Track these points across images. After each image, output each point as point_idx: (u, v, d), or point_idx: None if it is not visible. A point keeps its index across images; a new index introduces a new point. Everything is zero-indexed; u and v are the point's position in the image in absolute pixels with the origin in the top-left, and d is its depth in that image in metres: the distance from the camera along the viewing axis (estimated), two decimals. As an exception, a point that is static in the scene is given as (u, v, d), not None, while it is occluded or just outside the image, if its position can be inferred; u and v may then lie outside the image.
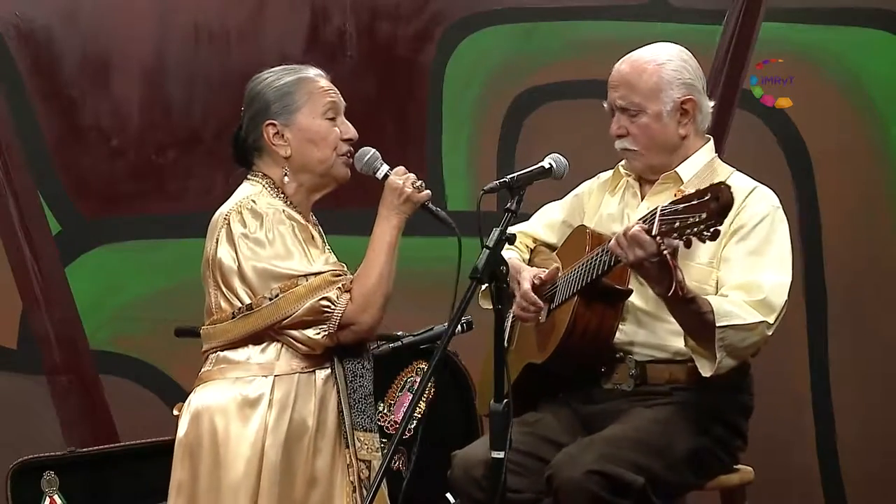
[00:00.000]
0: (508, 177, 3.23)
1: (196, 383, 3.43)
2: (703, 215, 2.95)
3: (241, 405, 3.34)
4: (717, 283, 3.40)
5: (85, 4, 4.97)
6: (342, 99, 3.50)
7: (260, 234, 3.33)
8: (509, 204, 3.18)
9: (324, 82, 3.48)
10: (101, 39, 4.99)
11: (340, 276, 3.35)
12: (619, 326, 3.44)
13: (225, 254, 3.36)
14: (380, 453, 3.39)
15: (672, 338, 3.43)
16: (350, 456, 3.37)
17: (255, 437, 3.32)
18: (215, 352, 3.42)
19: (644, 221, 3.12)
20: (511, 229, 3.17)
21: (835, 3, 5.19)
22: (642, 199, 3.56)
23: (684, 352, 3.40)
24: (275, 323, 3.33)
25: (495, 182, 3.23)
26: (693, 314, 3.24)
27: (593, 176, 3.78)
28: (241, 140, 3.49)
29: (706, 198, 2.95)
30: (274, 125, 3.43)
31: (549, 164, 3.31)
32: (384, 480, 3.24)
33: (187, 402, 3.42)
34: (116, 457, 4.28)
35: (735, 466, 3.56)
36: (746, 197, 3.41)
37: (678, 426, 3.40)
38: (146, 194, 5.00)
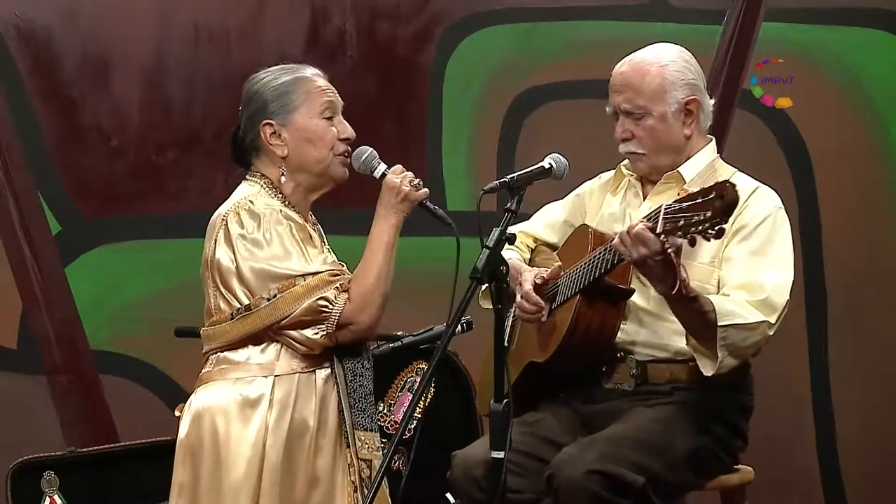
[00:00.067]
0: (508, 177, 3.22)
1: (196, 384, 3.43)
2: (708, 213, 2.95)
3: (241, 406, 3.34)
4: (718, 283, 3.40)
5: (85, 4, 4.97)
6: (340, 98, 3.49)
7: (257, 235, 3.33)
8: (509, 204, 3.18)
9: (321, 82, 3.48)
10: (101, 39, 4.99)
11: (338, 275, 3.35)
12: (621, 326, 3.44)
13: (223, 255, 3.36)
14: (380, 452, 3.39)
15: (673, 337, 3.43)
16: (351, 455, 3.37)
17: (255, 438, 3.32)
18: (215, 353, 3.42)
19: (648, 219, 3.11)
20: (511, 229, 3.17)
21: (835, 3, 5.19)
22: (644, 199, 3.56)
23: (685, 351, 3.40)
24: (273, 323, 3.32)
25: (495, 182, 3.23)
26: (695, 313, 3.24)
27: (593, 176, 3.78)
28: (239, 140, 3.49)
29: (711, 196, 2.95)
30: (271, 125, 3.43)
31: (549, 164, 3.31)
32: (385, 480, 3.24)
33: (188, 403, 3.41)
34: (116, 457, 4.29)
35: (735, 466, 3.56)
36: (749, 197, 3.41)
37: (679, 426, 3.40)
38: (146, 194, 5.00)
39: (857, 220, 5.19)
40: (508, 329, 3.66)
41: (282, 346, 3.37)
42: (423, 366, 4.31)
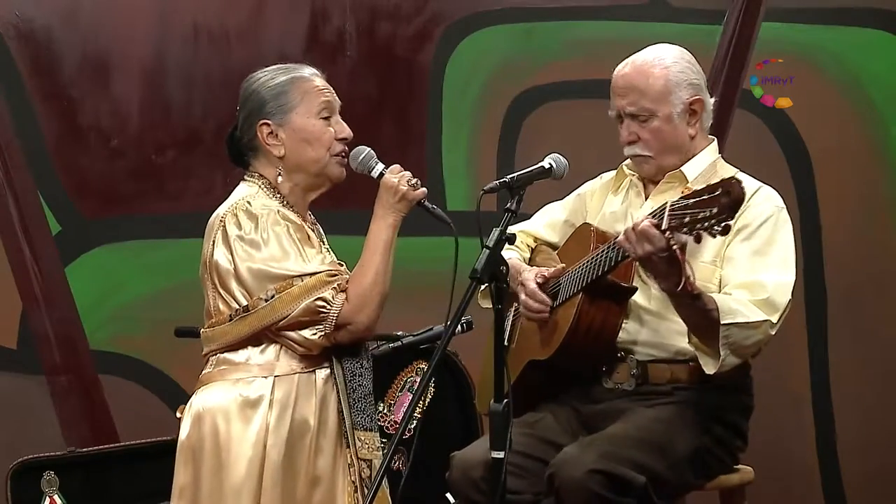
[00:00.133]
0: (508, 177, 3.22)
1: (197, 385, 3.43)
2: (714, 210, 2.95)
3: (241, 406, 3.34)
4: (719, 282, 3.40)
5: (85, 4, 4.97)
6: (337, 98, 3.49)
7: (255, 236, 3.33)
8: (509, 204, 3.18)
9: (319, 81, 3.47)
10: (101, 39, 4.99)
11: (336, 275, 3.34)
12: (622, 325, 3.44)
13: (221, 256, 3.36)
14: (380, 452, 3.39)
15: (674, 337, 3.43)
16: (351, 455, 3.37)
17: (256, 438, 3.32)
18: (215, 354, 3.42)
19: (653, 216, 3.12)
20: (512, 228, 3.18)
21: (835, 3, 5.19)
22: (646, 199, 3.56)
23: (686, 351, 3.41)
24: (271, 324, 3.32)
25: (495, 182, 3.23)
26: (698, 311, 3.24)
27: (593, 176, 3.79)
28: (237, 140, 3.49)
29: (717, 193, 2.95)
30: (268, 125, 3.42)
31: (549, 164, 3.31)
32: (385, 480, 3.24)
33: (188, 404, 3.41)
34: (116, 457, 4.29)
35: (735, 466, 3.56)
36: (751, 197, 3.41)
37: (679, 426, 3.40)
38: (146, 194, 5.00)
39: (857, 220, 5.19)
40: (508, 328, 3.66)
41: (281, 347, 3.37)
42: (423, 366, 4.31)
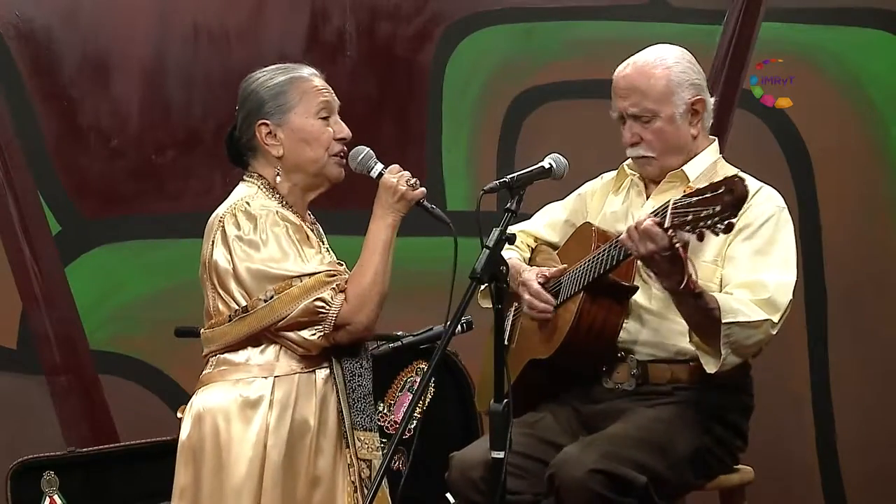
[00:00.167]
0: (508, 177, 3.22)
1: (197, 386, 3.43)
2: (717, 208, 2.95)
3: (242, 406, 3.34)
4: (720, 281, 3.40)
5: (85, 4, 4.97)
6: (336, 98, 3.48)
7: (254, 236, 3.33)
8: (509, 204, 3.18)
9: (317, 81, 3.47)
10: (101, 39, 4.99)
11: (335, 276, 3.34)
12: (623, 324, 3.44)
13: (220, 256, 3.36)
14: (380, 452, 3.39)
15: (675, 337, 3.43)
16: (350, 456, 3.37)
17: (256, 438, 3.31)
18: (215, 355, 3.42)
19: (656, 215, 3.12)
20: (512, 228, 3.18)
21: (835, 3, 5.19)
22: (647, 198, 3.56)
23: (686, 351, 3.41)
24: (270, 325, 3.32)
25: (495, 182, 3.23)
26: (700, 309, 3.24)
27: (594, 176, 3.79)
28: (236, 140, 3.49)
29: (720, 190, 2.95)
30: (267, 125, 3.42)
31: (549, 164, 3.31)
32: (385, 480, 3.24)
33: (189, 404, 3.41)
34: (116, 457, 4.29)
35: (735, 466, 3.56)
36: (752, 197, 3.41)
37: (680, 426, 3.40)
38: (146, 194, 5.00)
39: (857, 220, 5.19)
40: (508, 328, 3.66)
41: (281, 347, 3.37)
42: (423, 366, 4.31)
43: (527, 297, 3.53)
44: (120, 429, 4.91)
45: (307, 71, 3.48)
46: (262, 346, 3.37)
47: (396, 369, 4.31)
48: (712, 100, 3.56)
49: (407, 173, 3.40)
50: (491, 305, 3.14)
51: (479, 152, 5.13)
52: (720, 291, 3.36)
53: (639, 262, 3.30)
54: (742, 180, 2.95)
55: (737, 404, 3.52)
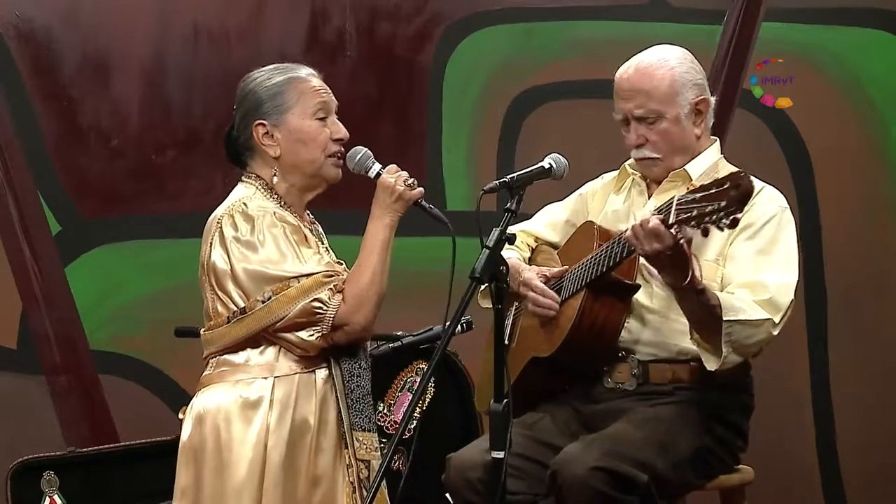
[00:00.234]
0: (508, 177, 3.22)
1: (198, 387, 3.43)
2: (723, 203, 2.95)
3: (242, 407, 3.33)
4: (721, 280, 3.40)
5: (85, 4, 4.97)
6: (334, 98, 3.48)
7: (251, 238, 3.32)
8: (509, 204, 3.17)
9: (315, 82, 3.47)
10: (101, 39, 4.99)
11: (332, 276, 3.34)
12: (624, 324, 3.44)
13: (218, 257, 3.36)
14: (379, 453, 3.39)
15: (676, 336, 3.43)
16: (349, 456, 3.37)
17: (257, 439, 3.31)
18: (215, 356, 3.42)
19: (659, 212, 3.12)
20: (513, 228, 3.18)
21: (835, 3, 5.19)
22: (650, 198, 3.56)
23: (688, 351, 3.41)
24: (269, 326, 3.32)
25: (495, 182, 3.23)
26: (702, 306, 3.24)
27: (594, 176, 3.79)
28: (234, 139, 3.49)
29: (726, 186, 2.96)
30: (264, 125, 3.42)
31: (549, 164, 3.31)
32: (384, 480, 3.24)
33: (190, 405, 3.41)
34: (116, 457, 4.29)
35: (735, 466, 3.56)
36: (755, 196, 3.39)
37: (681, 425, 3.40)
38: (146, 194, 5.00)
39: (857, 220, 5.19)
40: (508, 328, 3.66)
41: (280, 348, 3.37)
42: (423, 366, 4.31)
43: (531, 294, 3.53)
44: (120, 429, 4.91)
45: (305, 71, 3.48)
46: (262, 347, 3.37)
47: (396, 369, 4.31)
48: (713, 99, 3.56)
49: (404, 173, 3.39)
50: (491, 306, 3.14)
51: (479, 152, 5.13)
52: (721, 291, 3.36)
53: (641, 259, 3.30)
54: (747, 176, 2.95)
55: (737, 404, 3.52)
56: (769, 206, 3.45)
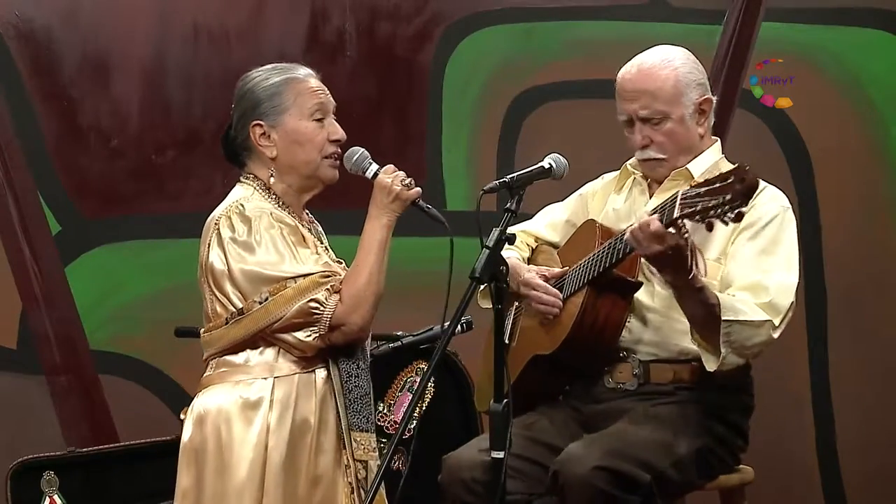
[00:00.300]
0: (508, 177, 3.22)
1: (198, 388, 3.43)
2: (727, 197, 2.95)
3: (242, 408, 3.33)
4: (722, 280, 3.39)
5: (85, 4, 4.97)
6: (331, 99, 3.47)
7: (248, 238, 3.32)
8: (509, 204, 3.17)
9: (313, 82, 3.46)
10: (101, 39, 4.99)
11: (330, 276, 3.33)
12: (626, 324, 3.44)
13: (216, 258, 3.35)
14: (377, 453, 3.39)
15: (678, 336, 3.43)
16: (347, 456, 3.37)
17: (257, 439, 3.31)
18: (215, 357, 3.42)
19: (660, 212, 3.12)
20: (513, 228, 3.18)
21: (835, 3, 5.19)
22: (651, 197, 3.56)
23: (689, 351, 3.41)
24: (266, 326, 3.31)
25: (495, 182, 3.23)
26: (701, 304, 3.24)
27: (594, 176, 3.79)
28: (231, 139, 3.48)
29: (730, 180, 2.96)
30: (261, 125, 3.41)
31: (549, 164, 3.31)
32: (383, 481, 3.23)
33: (191, 407, 3.41)
34: (116, 457, 4.29)
35: (736, 466, 3.56)
36: (757, 195, 3.39)
37: (682, 425, 3.40)
38: (146, 194, 5.00)
39: (857, 220, 5.19)
40: (508, 328, 3.66)
41: (280, 348, 3.37)
42: (423, 366, 4.31)
43: (533, 293, 3.53)
44: (120, 429, 4.91)
45: (303, 71, 3.47)
46: (261, 348, 3.37)
47: (396, 369, 4.31)
48: (715, 99, 3.57)
49: (402, 173, 3.39)
50: (490, 306, 3.14)
51: (479, 152, 5.13)
52: (720, 288, 3.36)
53: (643, 258, 3.30)
54: (752, 170, 2.95)
55: (737, 404, 3.52)
56: (771, 205, 3.45)
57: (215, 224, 3.37)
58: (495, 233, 3.10)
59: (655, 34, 4.73)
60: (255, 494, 3.30)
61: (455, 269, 3.21)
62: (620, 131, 3.58)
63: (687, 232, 3.08)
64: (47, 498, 4.16)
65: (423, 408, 4.06)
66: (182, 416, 3.44)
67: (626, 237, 3.22)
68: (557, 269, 3.57)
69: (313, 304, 3.29)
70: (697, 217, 3.01)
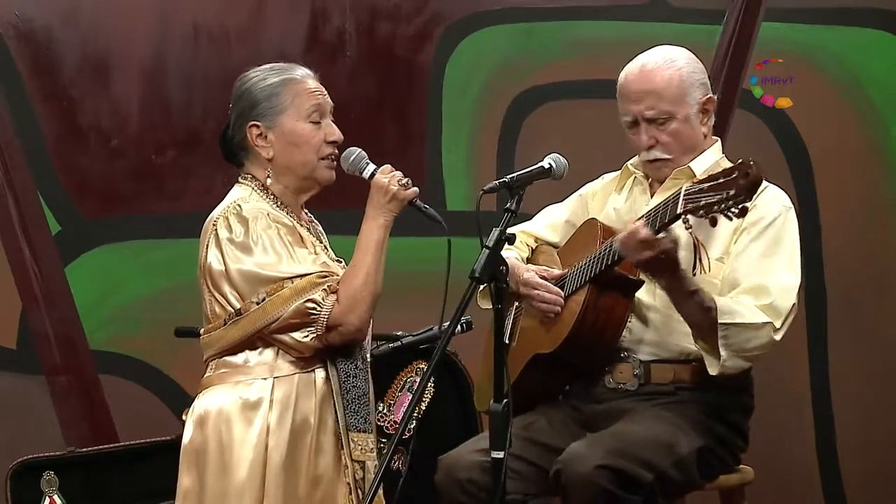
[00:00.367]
0: (508, 177, 3.22)
1: (199, 389, 3.43)
2: (732, 192, 2.95)
3: (242, 408, 3.33)
4: (723, 279, 3.39)
5: (85, 4, 4.97)
6: (329, 100, 3.47)
7: (245, 239, 3.32)
8: (509, 204, 3.17)
9: (311, 83, 3.45)
10: (101, 39, 4.99)
11: (326, 276, 3.33)
12: (626, 324, 3.44)
13: (213, 259, 3.36)
14: (374, 454, 3.39)
15: (679, 337, 3.43)
16: (345, 457, 3.37)
17: (257, 440, 3.31)
18: (214, 359, 3.42)
19: (648, 220, 3.12)
20: (513, 229, 3.18)
21: (835, 3, 5.19)
22: (652, 196, 3.56)
23: (689, 351, 3.42)
24: (264, 327, 3.31)
25: (495, 182, 3.23)
26: (699, 308, 3.25)
27: (594, 176, 3.80)
28: (229, 139, 3.48)
29: (734, 175, 2.97)
30: (257, 126, 3.41)
31: (549, 164, 3.31)
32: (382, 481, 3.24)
33: (191, 408, 3.42)
34: (116, 457, 4.29)
35: (736, 466, 3.56)
36: (758, 195, 3.40)
37: (684, 425, 3.41)
38: (146, 194, 5.00)
39: (857, 220, 5.19)
40: (508, 328, 3.66)
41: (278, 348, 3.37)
42: (423, 366, 4.30)
43: (534, 292, 3.53)
44: (120, 429, 4.90)
45: (301, 72, 3.46)
46: (260, 348, 3.37)
47: (396, 369, 4.31)
48: (715, 98, 3.58)
49: (398, 173, 3.39)
50: (490, 307, 3.14)
51: (479, 152, 5.13)
52: (723, 288, 3.36)
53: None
54: (757, 164, 2.96)
55: (737, 404, 3.52)
56: (774, 205, 3.46)
57: (213, 225, 3.37)
58: (495, 233, 3.10)
59: (655, 34, 4.73)
60: (255, 494, 3.31)
61: (455, 269, 3.21)
62: (620, 131, 3.58)
63: (690, 227, 3.09)
64: (47, 498, 4.16)
65: (423, 408, 4.05)
66: (184, 418, 3.44)
67: (614, 246, 3.23)
68: (557, 271, 3.57)
69: (310, 305, 3.29)
70: (701, 212, 3.02)
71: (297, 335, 3.31)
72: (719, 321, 3.23)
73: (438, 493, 3.49)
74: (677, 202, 3.08)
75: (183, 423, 3.43)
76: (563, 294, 3.50)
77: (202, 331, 3.45)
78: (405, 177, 3.38)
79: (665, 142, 3.49)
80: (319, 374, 3.38)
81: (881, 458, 5.15)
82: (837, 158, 5.18)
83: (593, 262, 3.41)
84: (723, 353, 3.26)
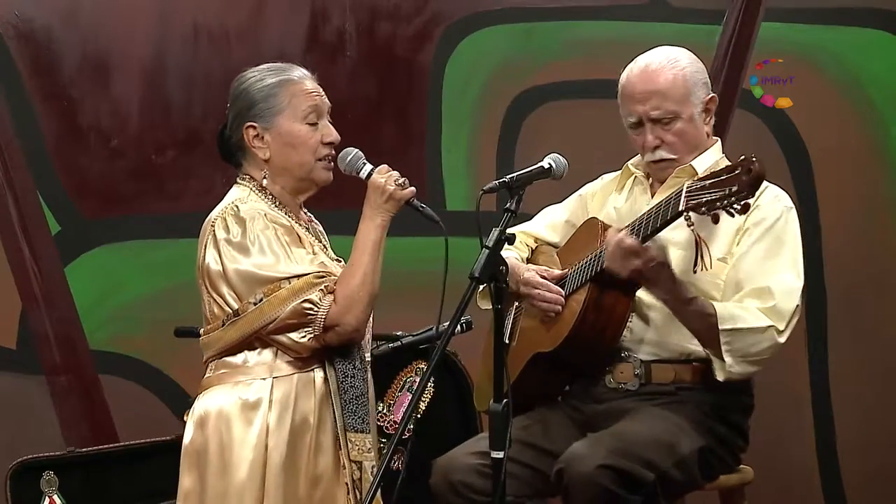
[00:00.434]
0: (508, 177, 3.22)
1: (199, 390, 3.43)
2: (734, 188, 2.96)
3: (242, 408, 3.33)
4: (726, 279, 3.39)
5: (85, 4, 4.97)
6: (326, 101, 3.46)
7: (242, 240, 3.32)
8: (509, 204, 3.17)
9: (308, 84, 3.45)
10: (101, 39, 4.99)
11: (324, 277, 3.33)
12: (627, 324, 3.44)
13: (211, 260, 3.36)
14: (372, 454, 3.38)
15: (679, 337, 3.43)
16: (343, 457, 3.37)
17: (257, 440, 3.31)
18: (214, 359, 3.42)
19: (630, 228, 3.13)
20: (513, 229, 3.18)
21: (835, 3, 5.19)
22: (652, 196, 3.56)
23: (690, 351, 3.42)
24: (261, 328, 3.31)
25: (495, 182, 3.23)
26: (698, 316, 3.26)
27: (594, 176, 3.80)
28: (226, 139, 3.48)
29: (737, 171, 2.97)
30: (254, 127, 3.41)
31: (549, 164, 3.31)
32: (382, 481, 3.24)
33: (192, 409, 3.42)
34: (116, 457, 4.29)
35: (736, 466, 3.56)
36: (759, 196, 3.40)
37: (685, 425, 3.40)
38: (146, 194, 5.00)
39: (857, 220, 5.19)
40: (508, 328, 3.66)
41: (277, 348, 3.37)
42: (423, 366, 4.31)
43: (535, 291, 3.53)
44: (120, 429, 4.91)
45: (298, 73, 3.46)
46: (259, 349, 3.37)
47: (396, 369, 4.31)
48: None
49: (395, 173, 3.38)
50: (490, 307, 3.14)
51: (479, 152, 5.13)
52: (726, 290, 3.36)
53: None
54: (760, 161, 2.96)
55: (737, 404, 3.52)
56: (775, 206, 3.46)
57: (211, 226, 3.37)
58: (495, 233, 3.10)
59: (655, 34, 4.74)
60: (255, 494, 3.31)
61: (455, 270, 3.21)
62: (620, 131, 3.58)
63: (692, 225, 3.09)
64: (47, 498, 4.16)
65: (423, 408, 4.05)
66: (185, 418, 3.44)
67: (605, 264, 3.24)
68: (557, 272, 3.57)
69: (307, 305, 3.29)
70: (703, 209, 3.02)
71: (295, 335, 3.31)
72: (721, 327, 3.23)
73: (434, 495, 3.49)
74: (679, 199, 3.08)
75: (184, 423, 3.43)
76: (563, 293, 3.50)
77: (201, 331, 3.45)
78: (403, 176, 3.37)
79: (670, 142, 3.49)
80: (318, 374, 3.38)
81: (881, 458, 5.15)
82: (837, 158, 5.18)
83: (594, 260, 3.40)
84: (727, 358, 3.26)
